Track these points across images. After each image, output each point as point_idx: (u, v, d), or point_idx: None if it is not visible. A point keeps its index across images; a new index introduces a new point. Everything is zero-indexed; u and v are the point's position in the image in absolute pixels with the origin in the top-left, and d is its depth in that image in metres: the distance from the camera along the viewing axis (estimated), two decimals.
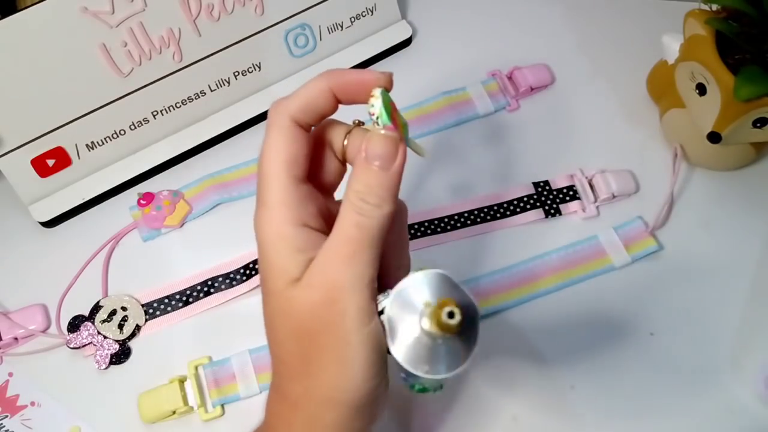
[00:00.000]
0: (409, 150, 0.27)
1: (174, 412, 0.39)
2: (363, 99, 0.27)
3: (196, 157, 0.48)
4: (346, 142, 0.28)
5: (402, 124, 0.27)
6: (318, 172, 0.29)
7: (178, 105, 0.47)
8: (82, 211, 0.47)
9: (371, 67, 0.51)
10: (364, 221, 0.25)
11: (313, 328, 0.25)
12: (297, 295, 0.25)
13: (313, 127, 0.28)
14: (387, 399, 0.28)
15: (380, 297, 0.26)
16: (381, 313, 0.26)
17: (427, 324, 0.24)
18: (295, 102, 0.28)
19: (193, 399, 0.40)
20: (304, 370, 0.26)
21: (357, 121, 0.29)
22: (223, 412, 0.40)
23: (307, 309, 0.25)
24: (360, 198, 0.25)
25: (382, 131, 0.26)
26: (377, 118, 0.26)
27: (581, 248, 0.44)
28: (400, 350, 0.25)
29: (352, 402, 0.26)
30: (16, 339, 0.42)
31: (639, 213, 0.45)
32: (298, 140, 0.27)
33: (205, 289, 0.43)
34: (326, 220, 0.28)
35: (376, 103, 0.26)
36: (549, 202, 0.45)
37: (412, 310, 0.25)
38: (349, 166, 0.28)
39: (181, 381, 0.40)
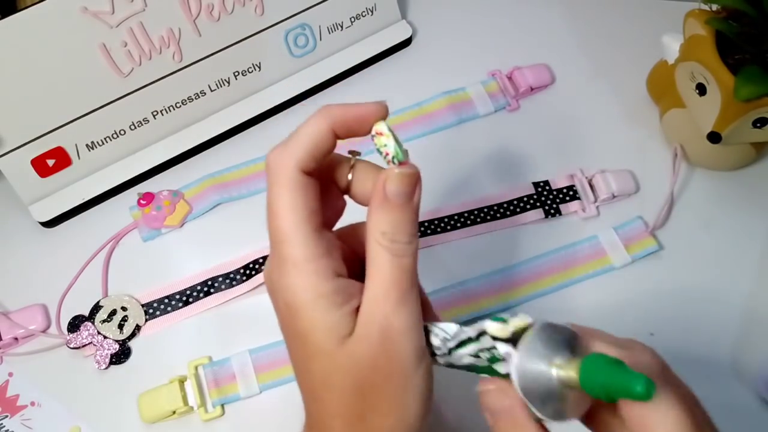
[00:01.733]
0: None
1: (174, 412, 0.39)
2: (363, 133, 0.27)
3: (196, 157, 0.48)
4: (350, 177, 0.27)
5: (404, 149, 0.27)
6: (324, 211, 0.27)
7: (178, 105, 0.47)
8: (82, 211, 0.47)
9: (371, 68, 0.51)
10: (404, 261, 0.25)
11: (375, 380, 0.25)
12: (356, 350, 0.25)
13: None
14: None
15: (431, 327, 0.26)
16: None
17: (564, 375, 0.23)
18: (300, 149, 0.26)
19: (193, 399, 0.40)
20: (359, 423, 0.25)
21: (353, 152, 0.28)
22: (223, 412, 0.40)
23: (369, 361, 0.25)
24: (390, 239, 0.25)
25: (397, 169, 0.26)
26: (393, 157, 0.26)
27: (581, 248, 0.44)
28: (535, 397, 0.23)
29: None
30: (16, 339, 0.42)
31: (639, 213, 0.45)
32: (311, 190, 0.26)
33: (205, 289, 0.43)
34: (345, 260, 0.27)
35: (389, 142, 0.26)
36: (549, 202, 0.45)
37: (543, 361, 0.23)
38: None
39: (181, 381, 0.40)
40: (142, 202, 0.46)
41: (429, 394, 0.26)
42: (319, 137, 0.26)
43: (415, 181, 0.26)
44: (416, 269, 0.25)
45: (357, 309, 0.25)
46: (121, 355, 0.41)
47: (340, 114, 0.26)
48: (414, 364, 0.25)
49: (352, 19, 0.50)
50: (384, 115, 0.26)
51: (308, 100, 0.50)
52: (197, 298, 0.43)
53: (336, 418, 0.26)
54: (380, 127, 0.26)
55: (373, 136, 0.26)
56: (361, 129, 0.26)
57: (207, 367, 0.41)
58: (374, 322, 0.25)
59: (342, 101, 0.52)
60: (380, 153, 0.26)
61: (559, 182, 0.46)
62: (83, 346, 0.42)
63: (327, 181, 0.28)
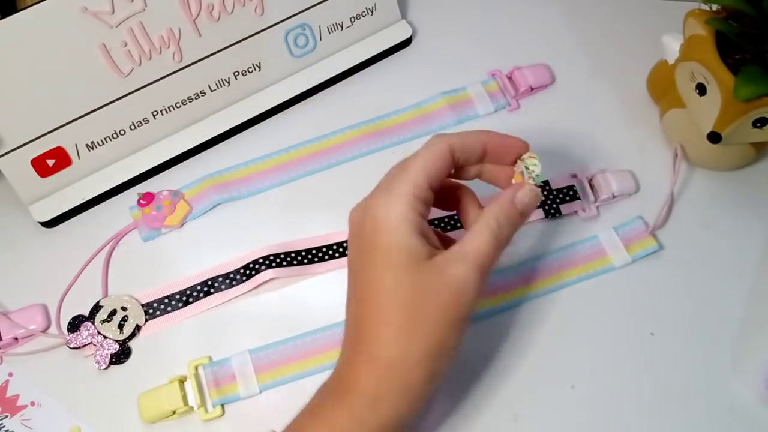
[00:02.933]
0: None
1: (174, 412, 0.39)
2: (505, 161, 0.35)
3: (196, 157, 0.48)
4: (520, 170, 0.35)
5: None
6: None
7: (178, 105, 0.47)
8: (82, 211, 0.47)
9: (371, 68, 0.52)
10: (498, 243, 0.32)
11: (431, 308, 0.30)
12: (428, 276, 0.30)
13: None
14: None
15: None
16: None
17: None
18: (456, 138, 0.33)
19: (193, 399, 0.40)
20: (405, 336, 0.30)
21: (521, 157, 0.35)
22: (223, 412, 0.40)
23: (434, 290, 0.30)
24: (498, 226, 0.32)
25: (533, 188, 0.34)
26: (536, 176, 0.34)
27: (581, 248, 0.44)
28: None
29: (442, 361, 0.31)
30: (16, 339, 0.42)
31: (639, 213, 0.45)
32: (445, 163, 0.33)
33: (205, 289, 0.43)
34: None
35: (539, 164, 0.34)
36: (549, 202, 0.45)
37: None
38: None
39: (181, 381, 0.40)
40: (142, 202, 0.46)
41: (463, 337, 0.31)
42: (472, 140, 0.34)
43: (537, 201, 0.34)
44: (499, 257, 0.32)
45: (432, 248, 0.31)
46: (121, 355, 0.41)
47: (497, 137, 0.35)
48: (467, 316, 0.31)
49: (352, 19, 0.50)
50: (527, 147, 0.35)
51: (308, 100, 0.50)
52: (197, 298, 0.43)
53: (387, 325, 0.30)
54: (532, 154, 0.35)
55: (522, 158, 0.35)
56: (505, 156, 0.35)
57: (207, 367, 0.41)
58: (454, 267, 0.30)
59: (342, 101, 0.53)
60: (526, 170, 0.34)
61: (559, 182, 0.46)
62: (83, 346, 0.42)
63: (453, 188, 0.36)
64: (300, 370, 0.41)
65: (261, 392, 0.40)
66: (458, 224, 0.45)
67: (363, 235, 0.32)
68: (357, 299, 0.32)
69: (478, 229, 0.32)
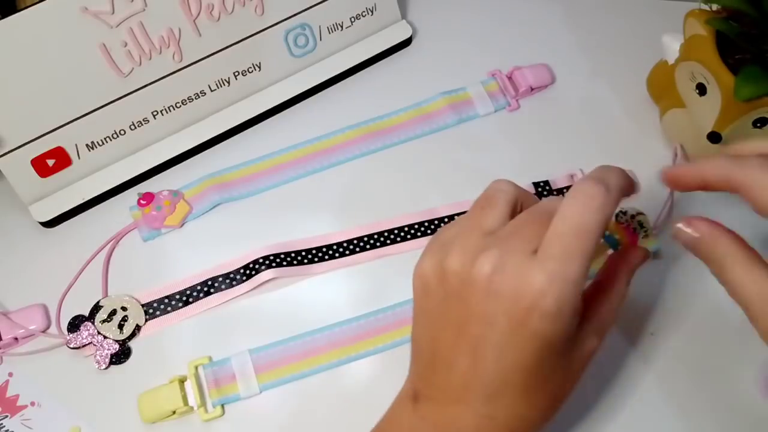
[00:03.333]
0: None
1: (174, 412, 0.39)
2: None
3: (196, 157, 0.48)
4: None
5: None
6: None
7: (178, 105, 0.47)
8: (82, 211, 0.47)
9: (371, 68, 0.52)
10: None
11: (580, 366, 0.31)
12: (591, 346, 0.31)
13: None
14: None
15: None
16: None
17: None
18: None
19: (193, 399, 0.40)
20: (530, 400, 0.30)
21: None
22: (224, 412, 0.40)
23: (590, 356, 0.32)
24: (623, 297, 0.34)
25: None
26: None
27: None
28: None
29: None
30: (16, 339, 0.42)
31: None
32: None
33: (205, 289, 0.43)
34: None
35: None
36: None
37: None
38: None
39: (181, 381, 0.40)
40: (142, 202, 0.46)
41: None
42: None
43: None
44: None
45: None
46: (121, 355, 0.41)
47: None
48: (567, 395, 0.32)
49: (352, 19, 0.50)
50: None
51: (308, 100, 0.50)
52: (197, 298, 0.43)
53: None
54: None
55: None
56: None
57: (207, 367, 0.41)
58: (591, 342, 0.31)
59: (342, 101, 0.53)
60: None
61: (559, 182, 0.46)
62: (83, 346, 0.41)
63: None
64: (300, 370, 0.41)
65: (261, 392, 0.40)
66: None
67: (515, 310, 0.28)
68: (448, 353, 0.30)
69: (608, 303, 0.32)
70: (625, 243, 0.39)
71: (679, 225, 0.33)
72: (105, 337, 0.42)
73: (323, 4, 0.48)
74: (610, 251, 0.38)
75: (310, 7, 0.48)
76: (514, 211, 0.31)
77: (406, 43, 0.52)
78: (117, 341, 0.42)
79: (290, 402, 0.40)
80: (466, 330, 0.29)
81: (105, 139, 0.45)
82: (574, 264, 0.28)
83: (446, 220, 0.45)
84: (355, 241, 0.44)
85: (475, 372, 0.29)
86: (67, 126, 0.44)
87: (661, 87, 0.46)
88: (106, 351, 0.41)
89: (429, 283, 0.31)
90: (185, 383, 0.40)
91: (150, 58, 0.44)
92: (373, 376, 0.41)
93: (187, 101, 0.47)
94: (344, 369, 0.41)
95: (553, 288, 0.27)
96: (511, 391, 0.29)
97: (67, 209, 0.46)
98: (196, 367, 0.41)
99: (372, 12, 0.51)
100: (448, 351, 0.30)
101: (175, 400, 0.39)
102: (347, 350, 0.41)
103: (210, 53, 0.46)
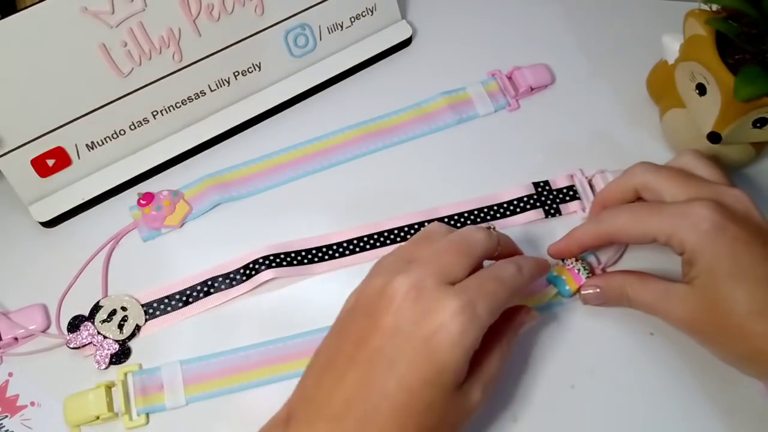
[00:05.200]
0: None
1: (98, 418, 0.39)
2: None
3: (196, 157, 0.48)
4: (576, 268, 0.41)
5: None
6: None
7: (178, 105, 0.47)
8: (82, 211, 0.47)
9: (371, 68, 0.52)
10: (506, 360, 0.36)
11: (462, 420, 0.33)
12: (476, 398, 0.33)
13: None
14: None
15: None
16: None
17: None
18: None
19: (118, 405, 0.39)
20: None
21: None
22: (148, 421, 0.39)
23: (474, 407, 0.33)
24: (510, 348, 0.36)
25: (536, 316, 0.38)
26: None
27: None
28: None
29: None
30: (16, 339, 0.42)
31: None
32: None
33: (205, 289, 0.43)
34: None
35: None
36: (549, 202, 0.45)
37: None
38: None
39: (108, 387, 0.40)
40: (142, 202, 0.46)
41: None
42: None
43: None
44: None
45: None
46: (121, 355, 0.41)
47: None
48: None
49: (352, 19, 0.50)
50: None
51: (308, 100, 0.50)
52: (197, 298, 0.43)
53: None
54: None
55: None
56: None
57: (136, 374, 0.40)
58: (476, 394, 0.33)
59: (342, 101, 0.53)
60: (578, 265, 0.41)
61: (559, 182, 0.46)
62: (83, 346, 0.42)
63: None
64: (229, 384, 0.40)
65: (187, 404, 0.40)
66: (458, 225, 0.45)
67: (421, 325, 0.30)
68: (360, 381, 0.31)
69: (496, 357, 0.34)
70: (572, 284, 0.41)
71: (582, 292, 0.40)
72: (105, 337, 0.42)
73: (323, 4, 0.48)
74: (555, 291, 0.41)
75: (310, 7, 0.48)
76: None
77: (406, 43, 0.52)
78: (117, 341, 0.42)
79: (216, 415, 0.39)
80: (367, 342, 0.30)
81: (105, 139, 0.45)
82: (486, 303, 0.31)
83: (446, 220, 0.45)
84: (355, 241, 0.44)
85: (362, 386, 0.30)
86: (67, 126, 0.44)
87: (661, 87, 0.46)
88: (106, 351, 0.41)
89: (349, 301, 0.33)
90: (112, 389, 0.40)
91: (150, 58, 0.44)
92: None
93: (187, 101, 0.47)
94: (275, 387, 0.40)
95: (464, 317, 0.30)
96: (387, 417, 0.29)
97: (67, 209, 0.46)
98: (125, 374, 0.40)
99: (372, 12, 0.51)
100: (343, 362, 0.31)
101: (100, 405, 0.39)
102: (279, 368, 0.40)
103: (210, 53, 0.46)
